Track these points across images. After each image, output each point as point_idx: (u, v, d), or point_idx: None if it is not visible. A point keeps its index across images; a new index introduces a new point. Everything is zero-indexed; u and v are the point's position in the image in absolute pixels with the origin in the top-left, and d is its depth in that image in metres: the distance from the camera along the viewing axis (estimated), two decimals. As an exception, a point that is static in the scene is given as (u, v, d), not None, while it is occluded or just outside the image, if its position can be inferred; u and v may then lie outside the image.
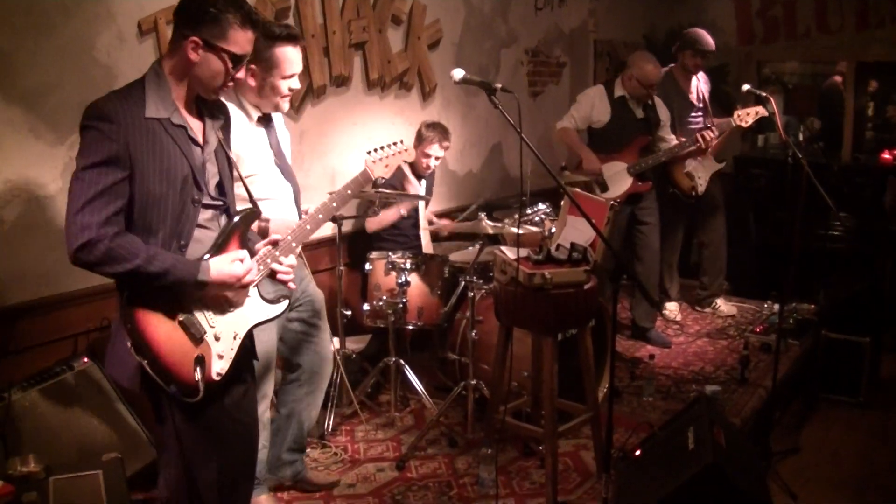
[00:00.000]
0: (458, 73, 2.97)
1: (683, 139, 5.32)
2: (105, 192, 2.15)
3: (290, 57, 3.08)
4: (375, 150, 3.02)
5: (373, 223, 4.75)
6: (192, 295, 2.32)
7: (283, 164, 3.27)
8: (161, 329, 2.27)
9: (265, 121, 3.24)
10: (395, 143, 3.05)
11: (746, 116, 5.08)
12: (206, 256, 2.35)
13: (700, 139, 5.19)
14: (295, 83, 3.15)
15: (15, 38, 3.25)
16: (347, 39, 4.72)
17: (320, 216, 2.80)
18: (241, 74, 2.56)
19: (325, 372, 3.64)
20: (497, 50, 6.11)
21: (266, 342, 3.20)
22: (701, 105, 5.69)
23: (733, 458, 3.07)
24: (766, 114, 4.99)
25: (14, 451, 2.97)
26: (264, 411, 3.35)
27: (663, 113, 5.34)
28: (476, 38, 5.86)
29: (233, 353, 2.42)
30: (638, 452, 3.47)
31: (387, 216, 4.70)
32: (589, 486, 3.72)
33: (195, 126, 2.38)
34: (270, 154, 3.23)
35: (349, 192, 2.92)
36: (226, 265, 2.34)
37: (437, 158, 4.77)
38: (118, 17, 3.60)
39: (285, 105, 3.19)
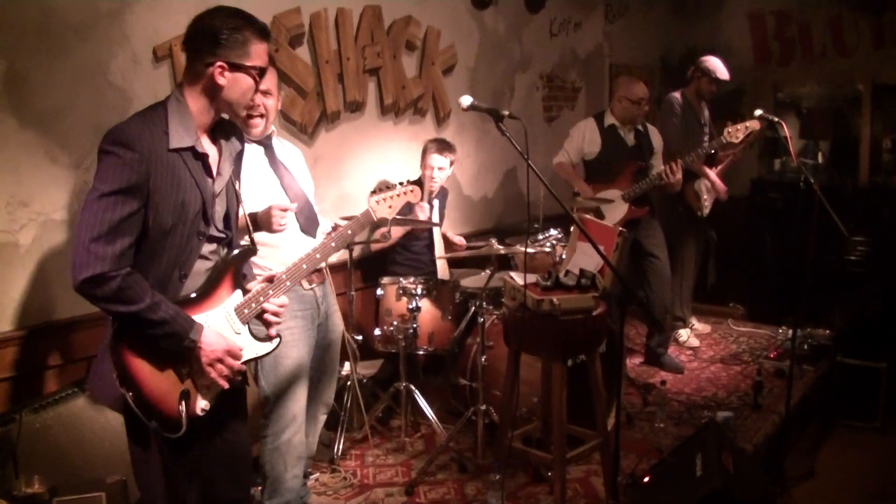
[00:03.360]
0: (466, 101, 2.96)
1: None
2: (121, 224, 2.13)
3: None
4: (380, 191, 2.94)
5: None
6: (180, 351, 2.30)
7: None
8: (146, 364, 2.25)
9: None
10: (401, 184, 2.98)
11: (737, 132, 5.03)
12: (195, 295, 2.35)
13: (665, 174, 5.10)
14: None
15: (29, 60, 3.27)
16: (362, 65, 4.76)
17: (318, 255, 2.70)
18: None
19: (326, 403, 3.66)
20: (512, 74, 6.14)
21: (295, 359, 3.27)
22: (707, 128, 5.75)
23: (742, 482, 3.05)
24: (756, 128, 4.94)
25: (24, 472, 2.99)
26: (296, 432, 3.34)
27: (656, 140, 5.36)
28: (490, 63, 5.89)
29: (218, 389, 2.39)
30: (647, 479, 3.46)
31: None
32: (598, 512, 3.70)
33: (212, 156, 2.39)
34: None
35: (349, 232, 2.83)
36: (219, 349, 2.32)
37: (440, 169, 4.76)
38: (132, 39, 3.62)
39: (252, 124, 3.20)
